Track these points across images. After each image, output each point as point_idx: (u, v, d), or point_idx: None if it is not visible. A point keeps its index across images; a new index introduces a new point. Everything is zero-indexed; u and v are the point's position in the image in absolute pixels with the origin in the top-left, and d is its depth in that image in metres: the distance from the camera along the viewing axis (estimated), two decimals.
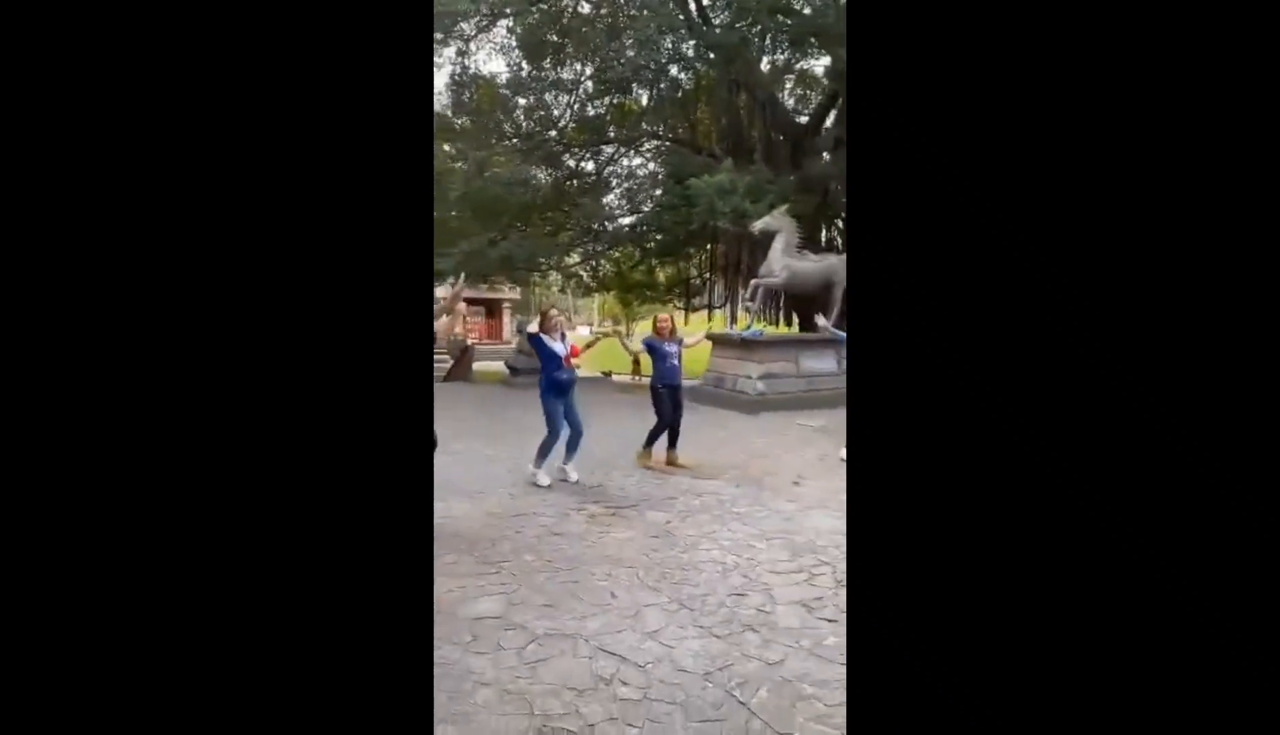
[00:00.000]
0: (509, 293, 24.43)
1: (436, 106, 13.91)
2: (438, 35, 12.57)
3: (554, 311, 4.80)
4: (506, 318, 27.20)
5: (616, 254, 16.28)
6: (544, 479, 4.56)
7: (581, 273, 16.88)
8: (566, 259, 16.11)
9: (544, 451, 4.62)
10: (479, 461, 5.34)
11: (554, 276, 17.65)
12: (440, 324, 3.78)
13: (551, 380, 4.58)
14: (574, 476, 4.67)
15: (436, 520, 3.81)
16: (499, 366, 14.69)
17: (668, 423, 5.15)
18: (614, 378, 14.49)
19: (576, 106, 13.84)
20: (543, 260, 14.95)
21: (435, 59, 13.40)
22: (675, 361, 5.17)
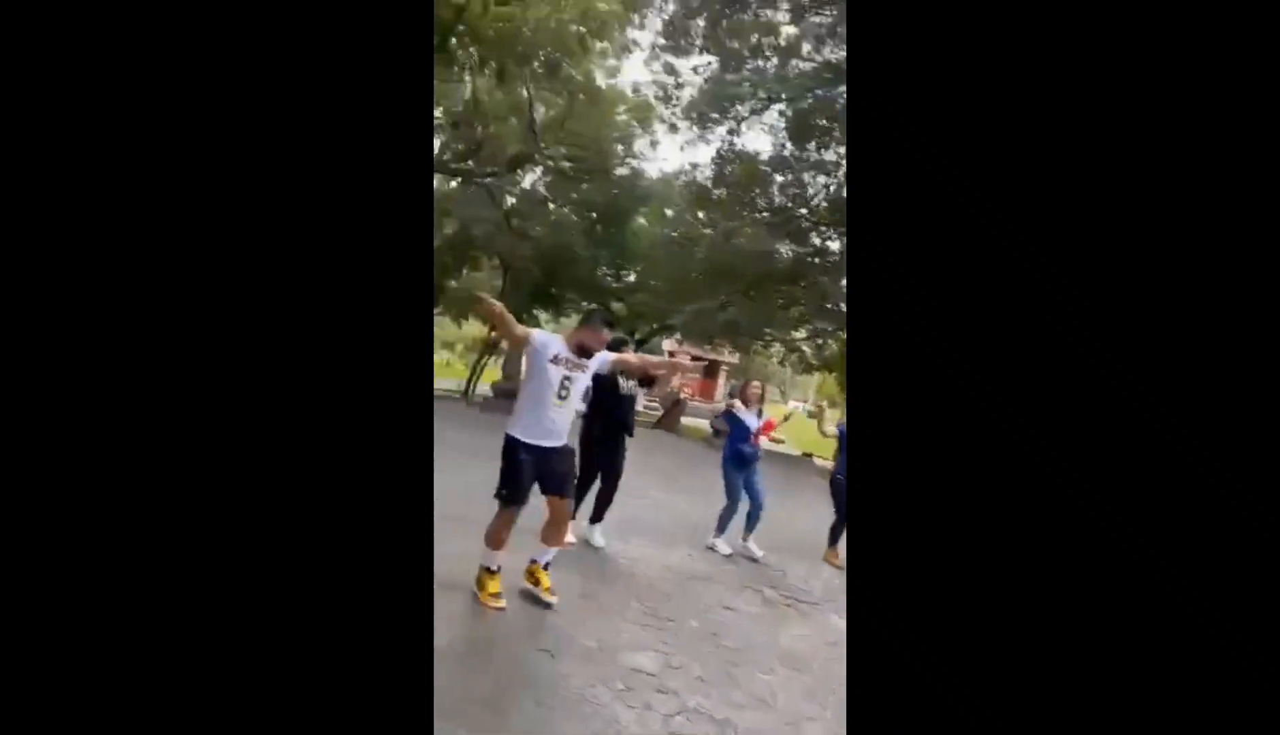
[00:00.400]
0: (729, 357, 24.89)
1: (699, 177, 15.05)
2: (713, 114, 13.64)
3: (755, 385, 4.75)
4: (721, 380, 27.68)
5: (843, 336, 15.75)
6: (724, 548, 4.48)
7: (805, 348, 16.61)
8: (793, 333, 16.02)
9: (723, 521, 4.56)
10: (668, 512, 5.42)
11: (776, 348, 17.61)
12: (662, 373, 3.93)
13: (735, 451, 4.53)
14: (758, 554, 4.51)
15: (616, 554, 3.98)
16: (705, 424, 14.91)
17: (845, 521, 4.74)
18: (815, 461, 13.82)
19: (833, 188, 13.88)
20: (769, 331, 15.04)
21: (707, 137, 14.54)
22: None
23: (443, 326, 23.88)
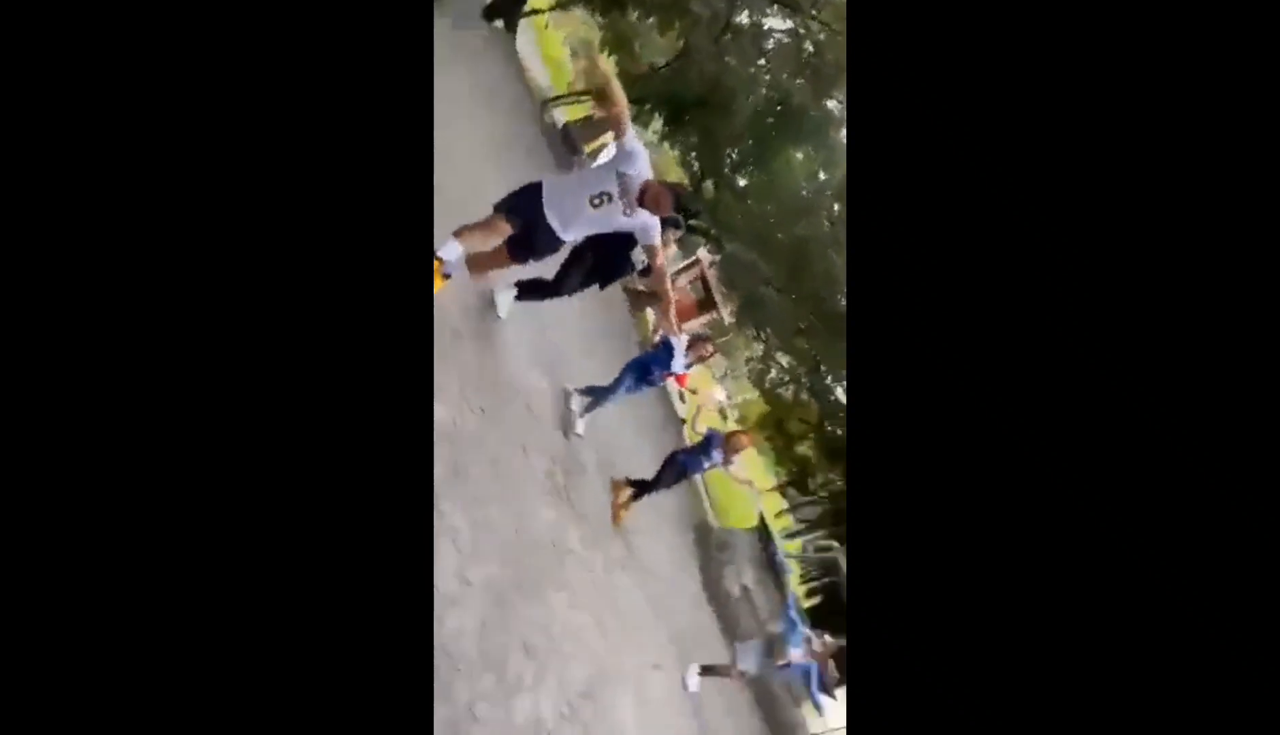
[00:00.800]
0: (728, 315, 24.70)
1: None
2: None
3: (710, 347, 4.63)
4: (701, 321, 27.53)
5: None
6: (576, 407, 4.51)
7: (768, 369, 16.76)
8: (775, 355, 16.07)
9: (589, 398, 4.57)
10: (560, 359, 5.49)
11: (757, 349, 17.68)
12: (663, 292, 3.75)
13: (644, 366, 4.52)
14: (579, 430, 4.50)
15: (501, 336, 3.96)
16: (653, 332, 14.98)
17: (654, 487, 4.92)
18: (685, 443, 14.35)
19: None
20: (768, 330, 14.92)
21: None
22: None
23: None
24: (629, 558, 4.83)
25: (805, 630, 5.00)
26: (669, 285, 3.59)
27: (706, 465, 5.04)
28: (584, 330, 6.77)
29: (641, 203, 2.71)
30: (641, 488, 5.02)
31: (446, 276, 2.84)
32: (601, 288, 4.02)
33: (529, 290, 3.94)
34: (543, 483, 3.67)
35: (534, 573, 3.03)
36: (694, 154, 16.36)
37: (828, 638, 5.09)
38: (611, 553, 4.42)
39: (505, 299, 3.86)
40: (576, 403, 4.55)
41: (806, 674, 5.02)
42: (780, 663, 4.87)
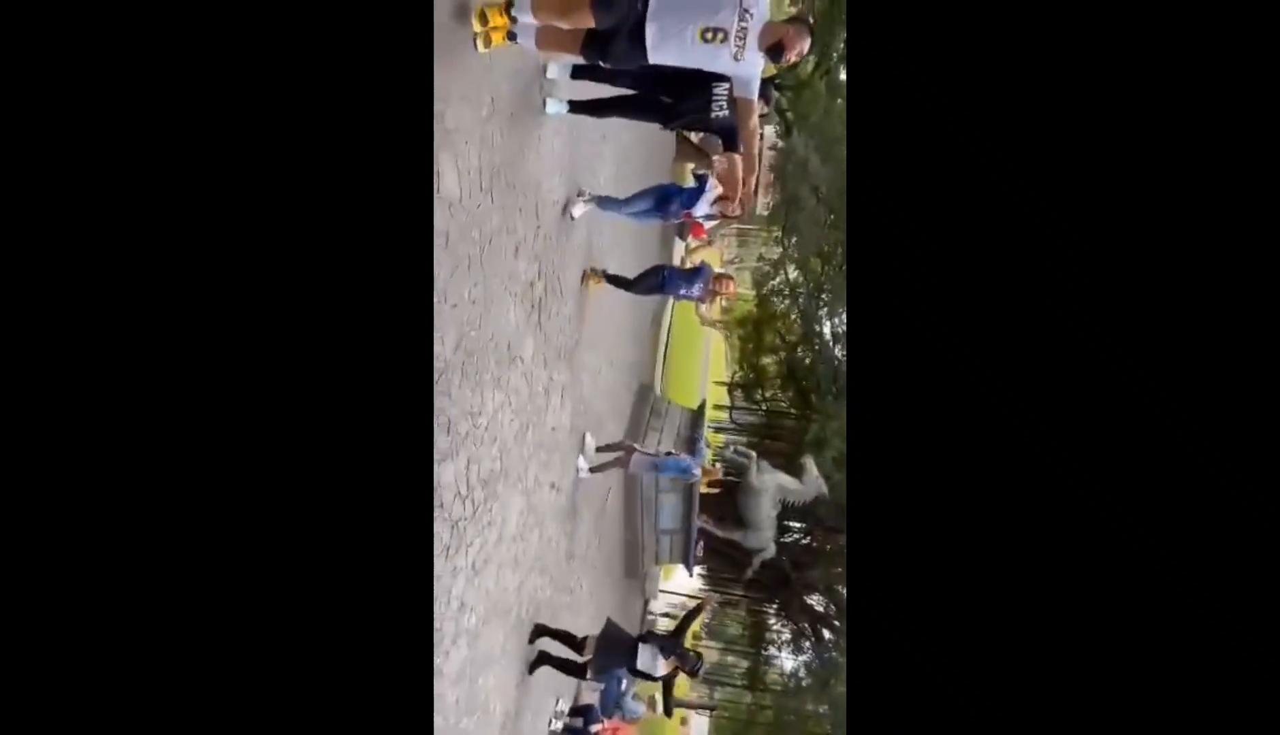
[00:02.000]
0: (762, 202, 23.88)
1: None
2: None
3: (734, 206, 5.08)
4: (747, 207, 26.57)
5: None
6: (578, 210, 4.47)
7: (769, 275, 16.74)
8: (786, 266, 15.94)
9: (604, 201, 4.55)
10: (601, 167, 5.25)
11: (770, 250, 17.43)
12: (745, 151, 3.52)
13: (668, 194, 4.52)
14: (576, 212, 4.48)
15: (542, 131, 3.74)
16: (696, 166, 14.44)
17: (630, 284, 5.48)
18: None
19: None
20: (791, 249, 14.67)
21: None
22: None
23: None
24: (570, 386, 5.02)
25: (700, 458, 5.65)
26: (756, 148, 3.24)
27: (683, 292, 5.12)
28: (619, 159, 6.44)
29: (769, 50, 2.31)
30: (618, 282, 5.18)
31: (511, 37, 2.58)
32: (664, 127, 3.71)
33: (585, 107, 3.61)
34: (523, 287, 3.68)
35: (481, 364, 3.14)
36: (812, 15, 14.83)
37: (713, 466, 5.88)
38: (555, 376, 4.58)
39: (558, 102, 3.55)
40: (585, 195, 4.47)
41: (684, 470, 5.75)
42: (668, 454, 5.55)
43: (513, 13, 2.49)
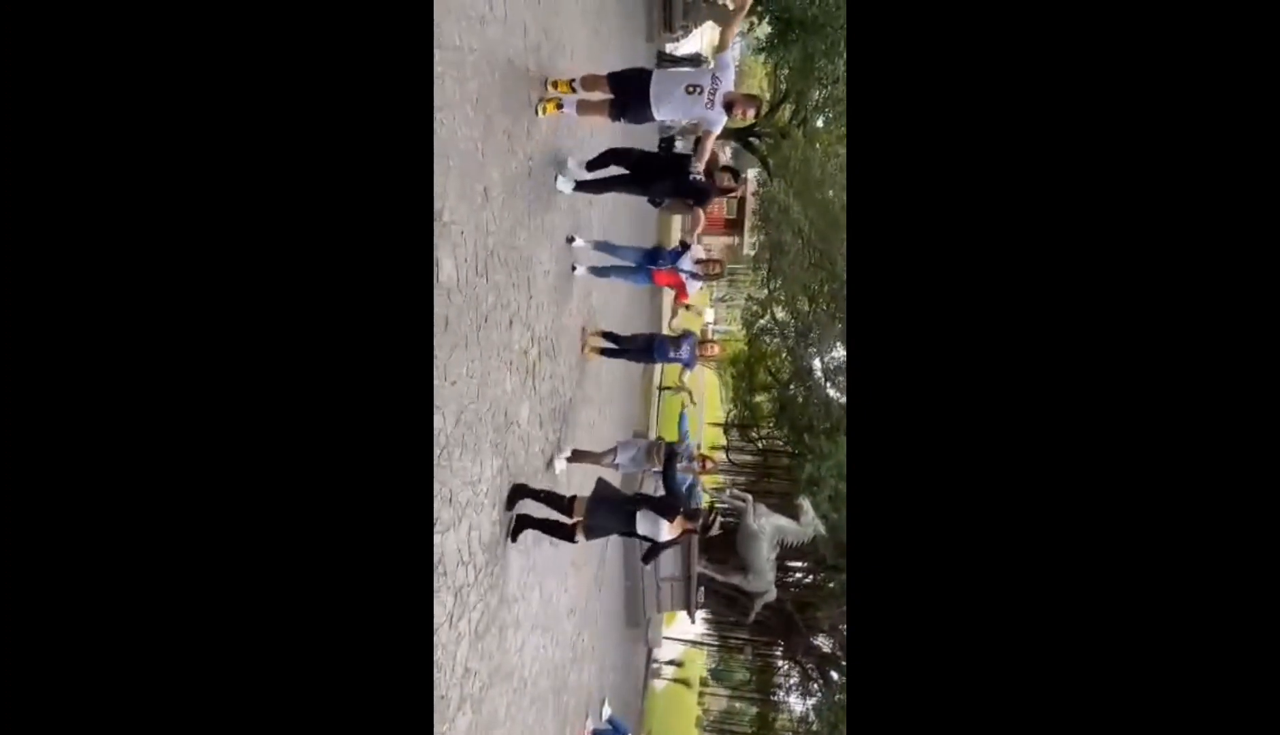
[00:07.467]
0: (744, 245, 24.34)
1: None
2: None
3: (718, 264, 5.11)
4: (724, 243, 27.05)
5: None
6: (564, 186, 4.83)
7: (751, 311, 17.01)
8: (772, 308, 16.24)
9: (600, 244, 5.20)
10: (595, 207, 5.51)
11: (756, 293, 17.78)
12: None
13: (650, 257, 5.22)
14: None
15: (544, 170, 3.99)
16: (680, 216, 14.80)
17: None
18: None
19: None
20: (777, 287, 14.98)
21: None
22: None
23: None
24: (565, 442, 5.15)
25: (690, 447, 5.60)
26: (712, 154, 4.31)
27: (672, 356, 5.60)
28: (605, 225, 6.73)
29: (726, 106, 3.61)
30: (612, 339, 5.63)
31: (559, 108, 3.91)
32: (651, 201, 4.73)
33: (588, 185, 4.50)
34: (517, 355, 3.86)
35: (479, 433, 3.29)
36: (785, 74, 15.47)
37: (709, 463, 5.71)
38: (550, 434, 4.72)
39: (567, 181, 4.47)
40: (580, 240, 5.04)
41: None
42: (654, 468, 5.09)
43: (575, 84, 3.94)
